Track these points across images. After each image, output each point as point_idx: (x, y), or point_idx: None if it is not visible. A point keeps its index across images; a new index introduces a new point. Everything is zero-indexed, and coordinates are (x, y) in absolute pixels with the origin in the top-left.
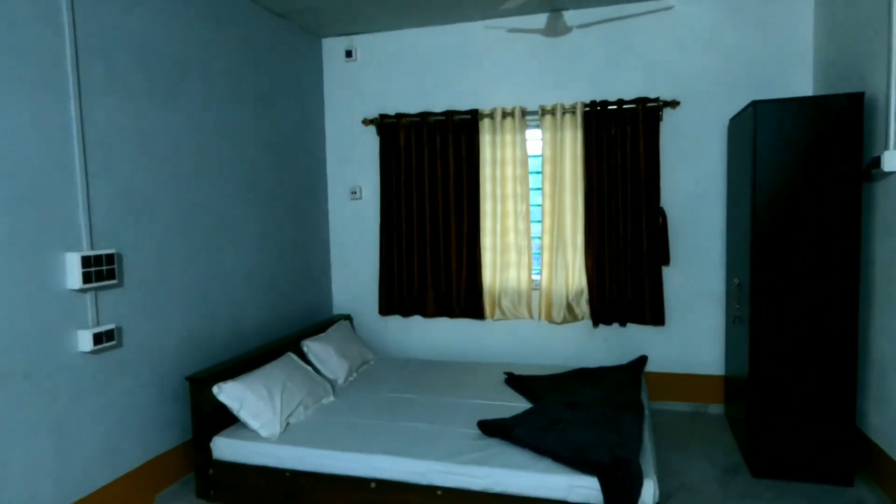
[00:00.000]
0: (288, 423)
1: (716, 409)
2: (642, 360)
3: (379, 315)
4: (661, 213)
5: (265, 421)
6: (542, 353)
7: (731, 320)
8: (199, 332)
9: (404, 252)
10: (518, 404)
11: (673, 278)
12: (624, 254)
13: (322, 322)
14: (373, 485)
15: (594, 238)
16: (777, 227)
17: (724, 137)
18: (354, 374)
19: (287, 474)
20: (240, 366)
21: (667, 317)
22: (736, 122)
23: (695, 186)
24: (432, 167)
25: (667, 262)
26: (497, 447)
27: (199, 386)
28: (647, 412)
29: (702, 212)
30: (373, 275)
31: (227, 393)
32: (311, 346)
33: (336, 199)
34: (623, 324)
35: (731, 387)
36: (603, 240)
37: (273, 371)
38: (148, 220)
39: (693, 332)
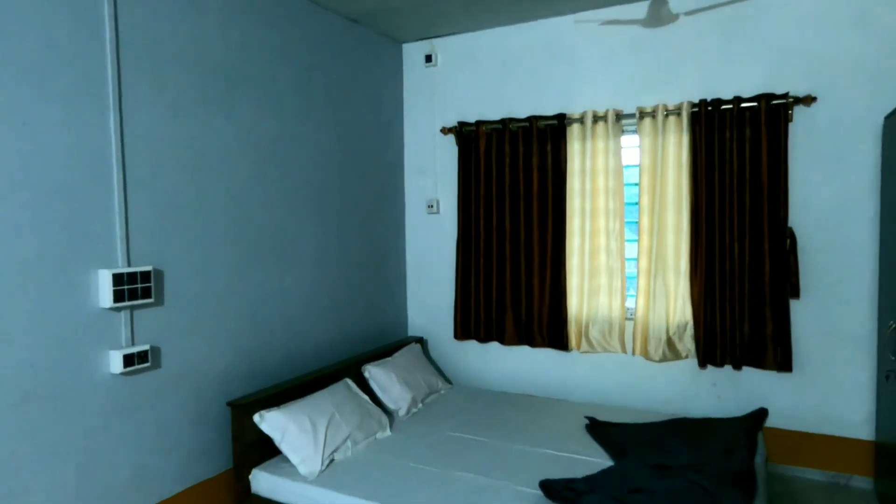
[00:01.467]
0: (332, 460)
1: (861, 481)
2: (761, 413)
3: (455, 339)
4: (789, 234)
5: (305, 456)
6: (635, 395)
7: (885, 374)
8: (250, 355)
9: (482, 271)
10: (596, 460)
11: (803, 314)
12: (740, 281)
13: (394, 344)
14: None
15: (702, 261)
16: None
17: (876, 140)
18: (420, 406)
19: None
20: (290, 391)
21: (795, 361)
22: (895, 121)
23: (834, 201)
24: (514, 178)
25: (796, 294)
26: None
27: (242, 412)
28: (760, 486)
29: (843, 233)
30: (450, 295)
31: (270, 422)
32: (373, 372)
33: (413, 213)
34: (737, 366)
35: (884, 456)
36: (713, 264)
37: (322, 400)
38: (194, 236)
39: (830, 383)
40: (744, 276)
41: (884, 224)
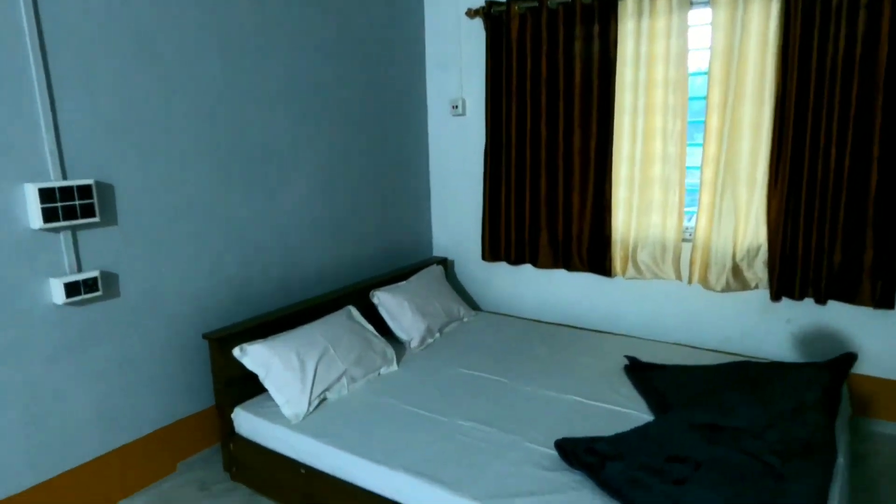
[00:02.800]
0: (325, 399)
1: None
2: (848, 359)
3: (482, 261)
4: None
5: (290, 396)
6: (688, 331)
7: None
8: (235, 282)
9: (513, 183)
10: (631, 412)
11: None
12: (834, 197)
13: (413, 266)
14: None
15: (785, 170)
16: None
17: None
18: (436, 336)
19: (302, 471)
20: (280, 322)
21: None
22: None
23: None
24: (551, 70)
25: None
26: (575, 490)
27: (221, 346)
28: (841, 459)
29: None
30: (477, 211)
31: (252, 357)
32: (382, 298)
33: (435, 115)
34: (821, 300)
35: None
36: (800, 173)
37: (315, 332)
38: (151, 145)
39: None
40: (840, 190)
41: None
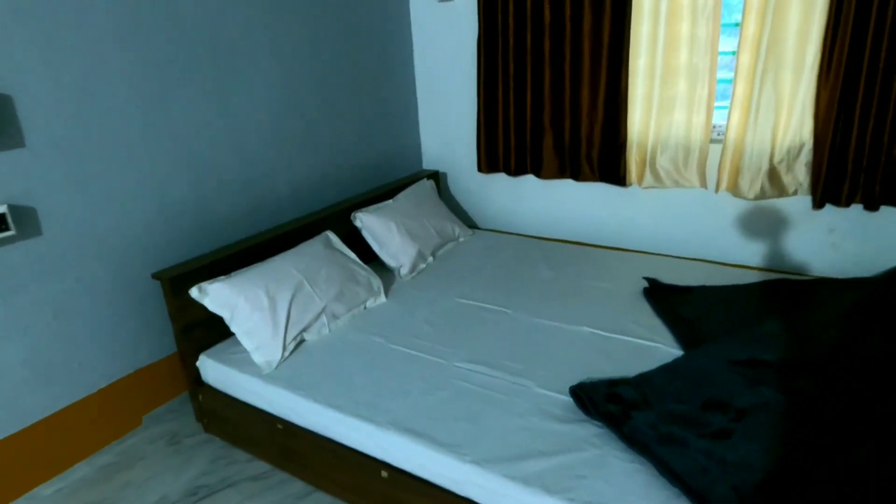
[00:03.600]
0: (302, 342)
1: None
2: None
3: (479, 172)
4: None
5: (261, 342)
6: (715, 246)
7: None
8: (187, 210)
9: (511, 80)
10: (657, 345)
11: None
12: None
13: (400, 182)
14: (384, 473)
15: (842, 51)
16: None
17: None
18: (429, 260)
19: (279, 426)
20: (246, 254)
21: None
22: None
23: None
24: None
25: None
26: (595, 447)
27: (174, 287)
28: None
29: None
30: (471, 114)
31: (213, 298)
32: (366, 221)
33: (419, 1)
34: (872, 206)
35: None
36: (861, 54)
37: (287, 264)
38: (62, 41)
39: None
40: None
41: None
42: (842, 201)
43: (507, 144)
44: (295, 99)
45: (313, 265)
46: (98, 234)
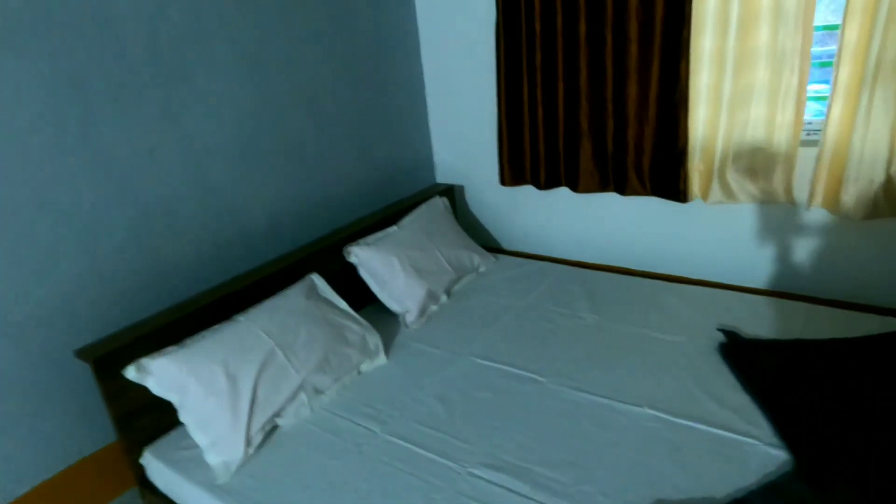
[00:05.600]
0: (275, 428)
1: None
2: None
3: (501, 185)
4: None
5: (218, 436)
6: (808, 279)
7: None
8: (130, 256)
9: (538, 75)
10: (749, 439)
11: None
12: None
13: (410, 199)
14: None
15: None
16: None
17: None
18: (443, 298)
19: None
20: (203, 315)
21: None
22: None
23: None
24: None
25: None
26: None
27: (104, 366)
28: None
29: None
30: (492, 118)
31: (158, 379)
32: (362, 256)
33: None
34: None
35: None
36: None
37: (255, 326)
38: None
39: None
40: None
41: None
42: None
43: (535, 152)
44: (271, 109)
45: (290, 325)
46: (4, 303)
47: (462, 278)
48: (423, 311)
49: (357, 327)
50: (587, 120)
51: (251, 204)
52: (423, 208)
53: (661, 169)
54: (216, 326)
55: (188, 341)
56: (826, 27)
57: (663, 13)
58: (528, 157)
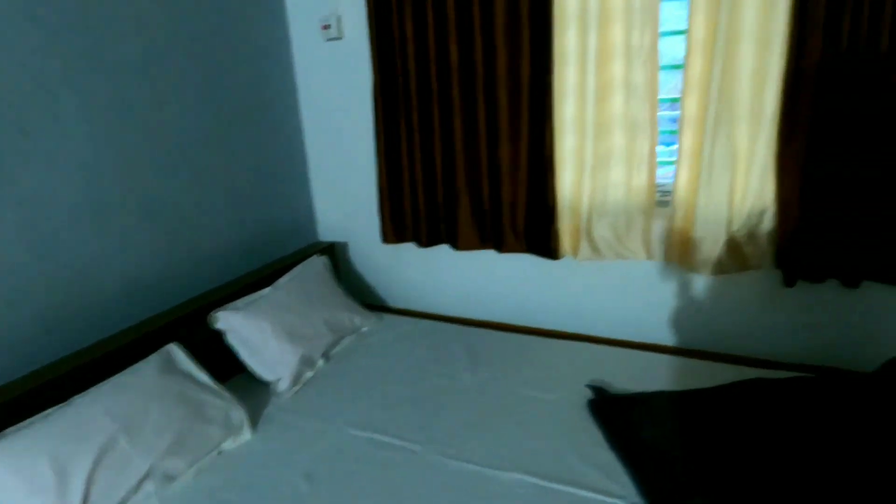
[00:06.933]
0: None
1: None
2: (894, 367)
3: (383, 243)
4: None
5: None
6: (667, 330)
7: None
8: None
9: (416, 133)
10: (615, 500)
11: None
12: (886, 135)
13: (288, 260)
14: None
15: (808, 98)
16: None
17: None
18: (320, 363)
19: None
20: (33, 398)
21: None
22: None
23: None
24: None
25: None
26: None
27: None
28: None
29: None
30: (373, 173)
31: None
32: (230, 321)
33: (302, 39)
34: (851, 281)
35: None
36: (831, 99)
37: (96, 408)
38: None
39: None
40: (893, 125)
41: None
42: (817, 276)
43: (415, 210)
44: (129, 165)
45: (138, 404)
46: None
47: (342, 340)
48: (296, 379)
49: (220, 402)
50: (464, 179)
51: (105, 268)
52: (301, 268)
53: (535, 227)
54: (48, 411)
55: (9, 431)
56: (671, 99)
57: (529, 82)
58: (409, 215)
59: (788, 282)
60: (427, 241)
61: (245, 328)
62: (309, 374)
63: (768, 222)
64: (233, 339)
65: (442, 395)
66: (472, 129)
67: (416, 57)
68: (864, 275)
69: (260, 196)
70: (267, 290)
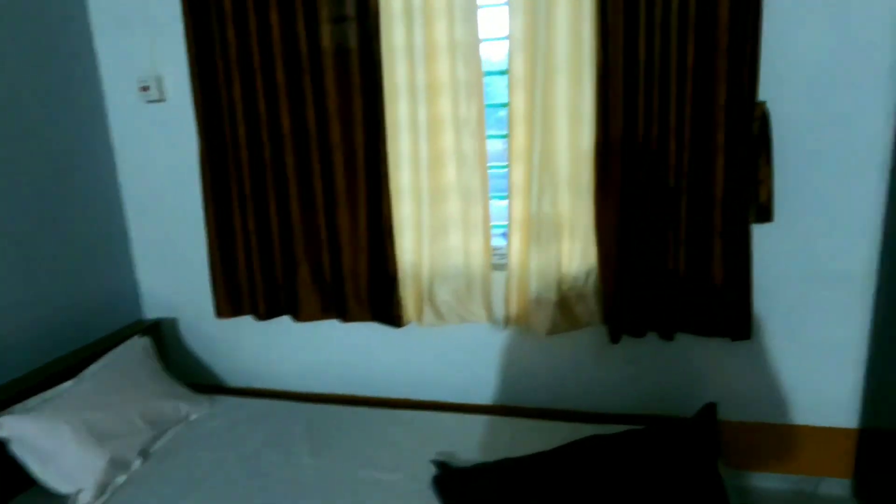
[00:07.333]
0: None
1: (834, 485)
2: (709, 412)
3: (217, 317)
4: (760, 114)
5: None
6: (511, 391)
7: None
8: None
9: (249, 201)
10: None
11: (771, 246)
12: (674, 199)
13: (102, 343)
14: None
15: (616, 168)
16: None
17: None
18: (136, 463)
19: None
20: None
21: (756, 322)
22: None
23: (831, 60)
24: (287, 29)
25: (766, 215)
26: None
27: None
28: None
29: (847, 111)
30: (202, 244)
31: None
32: (14, 428)
33: (119, 101)
34: (666, 335)
35: (870, 447)
36: (634, 170)
37: None
38: None
39: (805, 349)
40: (681, 190)
41: None
42: (638, 331)
43: (251, 281)
44: None
45: None
46: None
47: (165, 433)
48: (102, 488)
49: None
50: (303, 247)
51: None
52: (115, 353)
53: (378, 294)
54: None
55: None
56: (498, 167)
57: (364, 150)
58: (245, 286)
59: (613, 338)
60: (266, 313)
61: (36, 434)
62: (121, 478)
63: (593, 282)
64: (19, 449)
65: (279, 486)
66: (308, 196)
67: (246, 123)
68: (677, 327)
69: (68, 269)
70: (68, 384)
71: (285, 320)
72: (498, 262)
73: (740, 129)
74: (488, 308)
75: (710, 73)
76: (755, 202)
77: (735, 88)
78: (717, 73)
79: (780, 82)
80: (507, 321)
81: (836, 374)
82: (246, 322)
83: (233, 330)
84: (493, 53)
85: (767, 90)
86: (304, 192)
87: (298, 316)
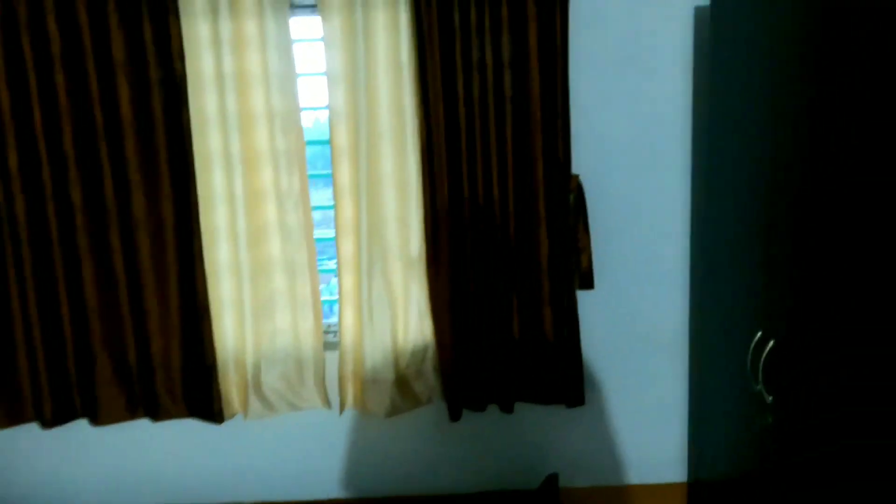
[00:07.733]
0: None
1: None
2: (551, 482)
3: None
4: (574, 186)
5: None
6: (358, 478)
7: (695, 379)
8: None
9: (31, 291)
10: None
11: (597, 312)
12: (504, 269)
13: None
14: None
15: (444, 239)
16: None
17: (687, 35)
18: None
19: None
20: None
21: (589, 387)
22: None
23: (638, 132)
24: (79, 95)
25: (588, 282)
26: None
27: None
28: None
29: (653, 181)
30: None
31: None
32: None
33: None
34: (506, 407)
35: (698, 499)
36: (463, 241)
37: None
38: None
39: (636, 410)
40: (512, 259)
41: (704, 169)
42: (478, 405)
43: (35, 381)
44: None
45: None
46: None
47: None
48: None
49: None
50: (101, 336)
51: None
52: None
53: (194, 386)
54: None
55: None
56: (325, 239)
57: (174, 225)
58: (27, 387)
59: (453, 415)
60: (54, 418)
61: None
62: None
63: (431, 358)
64: None
65: None
66: (108, 278)
67: (25, 197)
68: (515, 397)
69: None
70: None
71: (82, 425)
72: (331, 340)
73: (559, 200)
74: (322, 392)
75: (528, 145)
76: (578, 269)
77: (551, 161)
78: (535, 145)
79: (590, 156)
80: (344, 405)
81: (664, 433)
82: (29, 431)
83: (10, 444)
84: (317, 121)
85: (580, 164)
86: (102, 273)
87: (98, 418)
